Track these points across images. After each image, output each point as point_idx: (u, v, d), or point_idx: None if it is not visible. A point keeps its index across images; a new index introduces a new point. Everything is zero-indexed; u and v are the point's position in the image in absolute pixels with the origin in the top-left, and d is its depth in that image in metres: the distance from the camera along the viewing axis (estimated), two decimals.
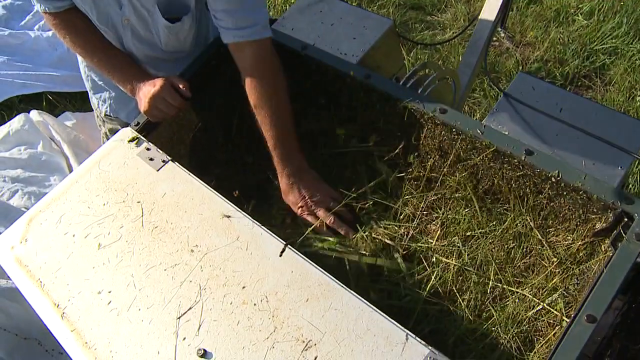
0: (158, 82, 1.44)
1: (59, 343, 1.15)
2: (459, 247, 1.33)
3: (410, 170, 1.43)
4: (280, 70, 1.40)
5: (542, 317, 1.17)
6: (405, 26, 3.45)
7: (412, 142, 1.39)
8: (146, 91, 1.45)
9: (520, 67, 3.05)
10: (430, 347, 0.96)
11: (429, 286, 1.30)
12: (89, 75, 1.87)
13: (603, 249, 1.16)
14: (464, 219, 1.35)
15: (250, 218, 1.21)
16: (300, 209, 1.38)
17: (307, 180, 1.40)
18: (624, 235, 1.07)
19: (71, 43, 1.58)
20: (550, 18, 3.39)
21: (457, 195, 1.36)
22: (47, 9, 1.54)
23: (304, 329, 1.04)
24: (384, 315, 1.02)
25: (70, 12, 1.56)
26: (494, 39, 3.24)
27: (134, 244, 1.24)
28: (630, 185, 2.54)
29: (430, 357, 0.95)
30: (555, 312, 1.16)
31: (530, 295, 1.22)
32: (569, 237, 1.23)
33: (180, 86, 1.45)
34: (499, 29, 2.55)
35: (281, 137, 1.39)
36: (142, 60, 1.65)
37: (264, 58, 1.39)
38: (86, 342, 1.12)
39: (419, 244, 1.32)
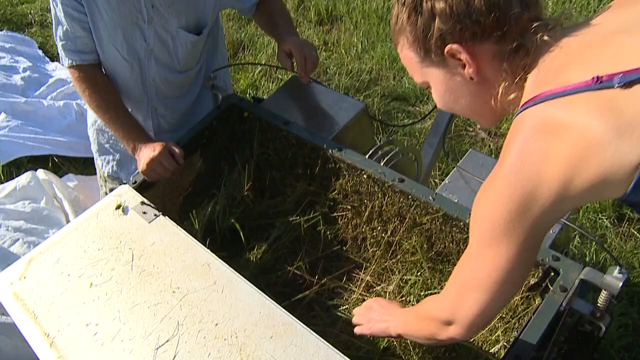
0: (157, 147, 1.63)
1: None
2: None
3: (374, 234, 1.61)
4: None
5: None
6: (388, 114, 3.72)
7: (376, 208, 1.58)
8: (146, 154, 1.65)
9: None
10: None
11: (384, 342, 1.45)
12: (97, 138, 2.08)
13: (536, 302, 1.32)
14: (419, 280, 1.52)
15: (227, 266, 1.37)
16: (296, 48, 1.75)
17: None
18: (550, 287, 1.23)
19: (88, 97, 1.78)
20: None
21: (412, 258, 1.53)
22: (73, 62, 1.76)
23: None
24: (339, 352, 1.16)
25: (93, 68, 1.79)
26: (471, 129, 3.50)
27: (123, 284, 1.38)
28: None
29: None
30: None
31: (475, 348, 1.37)
32: None
33: (177, 152, 1.65)
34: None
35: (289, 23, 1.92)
36: (161, 87, 1.90)
37: None
38: None
39: None
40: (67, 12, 1.68)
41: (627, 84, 0.73)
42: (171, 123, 2.02)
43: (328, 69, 4.34)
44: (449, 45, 0.92)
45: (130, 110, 1.90)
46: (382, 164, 1.60)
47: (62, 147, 3.30)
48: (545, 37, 0.87)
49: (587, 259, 2.60)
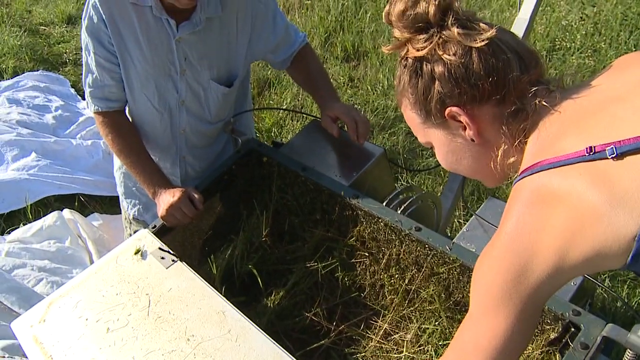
0: (177, 193, 1.65)
1: None
2: (431, 355, 1.46)
3: (392, 281, 1.59)
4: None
5: None
6: (413, 152, 3.72)
7: (394, 256, 1.57)
8: (166, 199, 1.67)
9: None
10: None
11: None
12: (123, 181, 2.12)
13: (557, 358, 1.28)
14: (437, 329, 1.49)
15: (242, 314, 1.37)
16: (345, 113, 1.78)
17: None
18: (570, 344, 1.20)
19: (111, 141, 1.82)
20: None
21: (430, 307, 1.51)
22: (99, 108, 1.81)
23: None
24: None
25: (118, 114, 1.84)
26: None
27: (139, 330, 1.39)
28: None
29: None
30: None
31: None
32: (529, 347, 1.35)
33: (196, 197, 1.67)
34: None
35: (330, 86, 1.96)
36: (191, 137, 1.93)
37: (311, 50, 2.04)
38: None
39: (395, 355, 1.46)
40: (99, 62, 1.73)
41: (620, 155, 0.73)
42: (198, 171, 2.05)
43: None
44: (448, 108, 0.93)
45: (158, 157, 1.94)
46: (400, 210, 1.59)
47: (89, 185, 3.37)
48: (544, 103, 0.88)
49: (615, 308, 2.52)
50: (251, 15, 1.80)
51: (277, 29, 1.89)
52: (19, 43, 6.35)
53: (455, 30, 0.90)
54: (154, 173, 1.78)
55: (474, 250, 1.44)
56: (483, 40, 0.88)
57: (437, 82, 0.92)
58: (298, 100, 4.57)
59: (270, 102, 4.66)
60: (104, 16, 1.67)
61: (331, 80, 2.04)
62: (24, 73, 5.37)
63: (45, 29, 7.41)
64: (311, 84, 1.98)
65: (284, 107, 4.47)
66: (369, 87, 4.60)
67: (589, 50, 4.82)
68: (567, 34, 5.06)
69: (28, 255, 2.50)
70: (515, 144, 0.91)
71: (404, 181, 3.43)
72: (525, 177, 0.83)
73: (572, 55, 4.78)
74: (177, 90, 1.80)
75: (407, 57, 0.96)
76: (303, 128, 2.03)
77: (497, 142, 0.94)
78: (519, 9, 2.11)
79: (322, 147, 1.87)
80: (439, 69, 0.91)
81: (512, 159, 0.93)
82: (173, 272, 1.52)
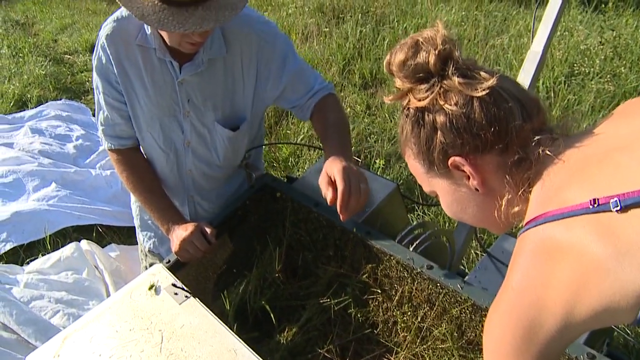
0: (190, 228, 1.67)
1: None
2: None
3: (405, 319, 1.58)
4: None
5: None
6: None
7: (406, 293, 1.56)
8: (179, 234, 1.69)
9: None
10: None
11: None
12: (139, 214, 2.14)
13: None
14: None
15: (252, 352, 1.37)
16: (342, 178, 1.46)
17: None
18: None
19: (126, 179, 1.85)
20: None
21: (443, 345, 1.50)
22: (112, 146, 1.84)
23: None
24: None
25: (132, 151, 1.87)
26: None
27: None
28: None
29: None
30: None
31: None
32: None
33: (209, 232, 1.68)
34: None
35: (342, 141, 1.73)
36: (197, 178, 1.92)
37: (335, 101, 1.87)
38: None
39: None
40: (108, 101, 1.77)
41: (624, 208, 0.72)
42: (208, 210, 2.06)
43: (369, 137, 4.39)
44: (452, 158, 0.93)
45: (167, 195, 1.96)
46: (412, 247, 1.58)
47: (107, 216, 3.42)
48: (548, 152, 0.87)
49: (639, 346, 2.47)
50: (257, 58, 1.77)
51: (286, 72, 1.81)
52: (43, 72, 6.53)
53: (456, 79, 0.90)
54: (167, 209, 1.80)
55: (486, 289, 1.42)
56: (484, 90, 0.88)
57: (439, 133, 0.92)
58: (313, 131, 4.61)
59: (287, 131, 4.70)
60: (111, 57, 1.71)
61: (348, 128, 1.87)
62: (47, 102, 5.51)
63: (69, 58, 7.61)
64: (324, 136, 1.77)
65: (301, 136, 4.50)
66: (387, 115, 4.62)
67: (609, 75, 4.77)
68: (586, 58, 5.02)
69: (46, 287, 2.53)
70: (519, 193, 0.90)
71: (420, 212, 3.42)
72: (529, 228, 0.83)
73: (591, 80, 4.74)
74: (183, 130, 1.82)
75: (409, 107, 0.97)
76: (317, 162, 2.04)
77: (501, 192, 0.93)
78: (532, 41, 2.11)
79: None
80: (440, 119, 0.91)
81: (516, 208, 0.92)
82: (186, 308, 1.53)
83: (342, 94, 5.17)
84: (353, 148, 3.87)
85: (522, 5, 6.86)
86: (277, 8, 7.89)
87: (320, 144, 1.80)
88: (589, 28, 5.61)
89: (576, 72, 4.94)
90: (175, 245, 1.68)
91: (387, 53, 0.98)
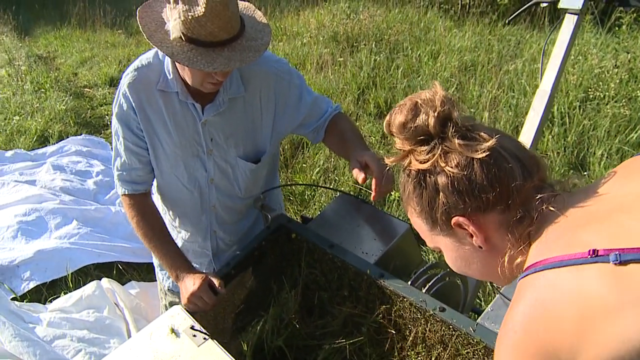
0: (197, 281, 1.70)
1: None
2: None
3: (419, 359, 1.60)
4: None
5: None
6: None
7: (420, 334, 1.58)
8: (187, 286, 1.72)
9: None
10: None
11: None
12: None
13: None
14: None
15: None
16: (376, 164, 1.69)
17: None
18: None
19: (136, 225, 1.90)
20: None
21: None
22: (126, 191, 1.90)
23: None
24: None
25: (143, 197, 1.92)
26: None
27: None
28: None
29: None
30: None
31: None
32: None
33: (217, 284, 1.71)
34: None
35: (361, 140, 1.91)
36: (221, 213, 1.99)
37: (344, 116, 2.04)
38: None
39: None
40: (127, 146, 1.83)
41: (623, 263, 0.73)
42: (229, 244, 2.12)
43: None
44: (455, 218, 0.95)
45: (190, 232, 2.01)
46: (425, 289, 1.61)
47: (127, 253, 3.48)
48: (551, 207, 0.89)
49: None
50: (274, 94, 1.87)
51: (302, 105, 1.94)
52: (64, 107, 6.69)
53: (456, 141, 0.92)
54: (175, 257, 1.85)
55: (497, 331, 1.44)
56: (484, 151, 0.90)
57: (441, 194, 0.94)
58: (330, 162, 4.66)
59: (303, 165, 4.76)
60: (133, 104, 1.78)
61: (364, 138, 2.00)
62: (68, 137, 5.63)
63: (89, 91, 7.78)
64: (343, 142, 1.94)
65: (317, 169, 4.55)
66: None
67: (624, 99, 4.72)
68: (601, 82, 4.97)
69: (68, 325, 2.59)
70: (520, 248, 0.92)
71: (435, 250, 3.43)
72: (529, 274, 0.84)
73: (606, 105, 4.70)
74: (206, 169, 1.88)
75: (410, 168, 0.99)
76: (331, 202, 2.08)
77: (503, 248, 0.95)
78: (540, 80, 2.15)
79: (348, 223, 1.93)
80: (442, 180, 0.93)
81: (518, 260, 0.93)
82: (205, 350, 1.56)
83: (357, 123, 5.21)
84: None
85: (536, 29, 6.89)
86: (292, 37, 8.01)
87: (340, 155, 2.02)
88: (603, 50, 5.58)
89: (591, 96, 4.90)
90: (184, 298, 1.72)
91: (388, 114, 1.01)
